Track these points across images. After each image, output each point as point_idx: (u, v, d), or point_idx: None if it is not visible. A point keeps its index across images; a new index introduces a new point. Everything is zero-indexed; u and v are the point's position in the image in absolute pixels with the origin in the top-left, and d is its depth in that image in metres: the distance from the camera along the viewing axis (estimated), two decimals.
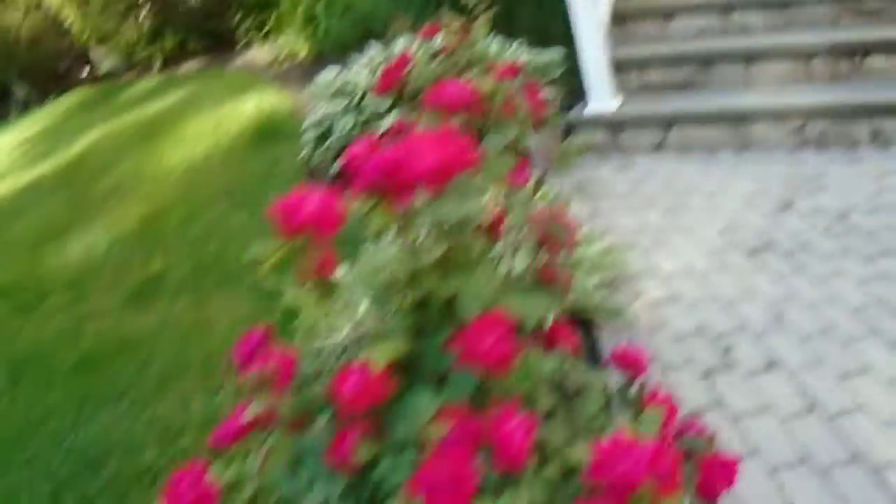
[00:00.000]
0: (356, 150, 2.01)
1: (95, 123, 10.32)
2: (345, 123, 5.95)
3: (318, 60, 9.00)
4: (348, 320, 2.29)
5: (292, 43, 10.21)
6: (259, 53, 11.41)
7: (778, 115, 5.83)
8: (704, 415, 3.41)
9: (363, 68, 6.33)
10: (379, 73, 5.53)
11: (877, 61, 5.83)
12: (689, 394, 3.56)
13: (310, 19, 9.61)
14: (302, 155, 6.36)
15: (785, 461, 3.15)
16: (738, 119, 5.93)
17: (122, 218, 6.95)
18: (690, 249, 4.69)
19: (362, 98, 6.01)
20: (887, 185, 5.03)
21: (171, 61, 13.08)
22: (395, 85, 4.31)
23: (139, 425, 4.25)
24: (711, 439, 2.28)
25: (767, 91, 6.10)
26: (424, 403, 1.92)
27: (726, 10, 6.60)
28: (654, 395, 2.32)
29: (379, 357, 1.97)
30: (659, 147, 6.16)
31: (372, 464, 1.95)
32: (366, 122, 5.82)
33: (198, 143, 8.01)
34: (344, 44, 7.99)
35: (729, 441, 3.23)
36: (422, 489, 1.71)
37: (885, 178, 5.12)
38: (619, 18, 6.84)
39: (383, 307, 2.20)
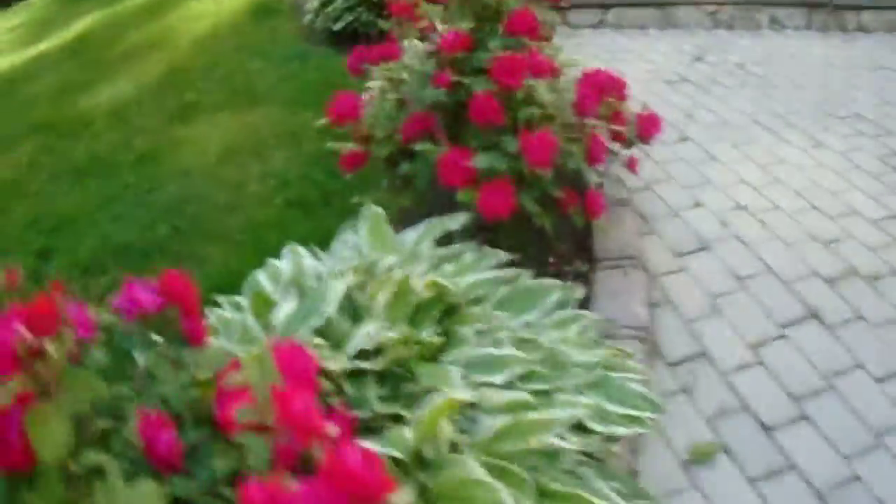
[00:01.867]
0: None
1: (90, 10, 11.13)
2: None
3: None
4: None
5: None
6: None
7: (696, 2, 7.34)
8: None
9: None
10: None
11: None
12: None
13: None
14: (304, 21, 7.59)
15: (691, 182, 4.64)
16: (663, 4, 7.42)
17: (145, 73, 7.95)
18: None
19: None
20: (776, 49, 6.66)
21: None
22: None
23: (208, 184, 5.42)
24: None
25: None
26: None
27: None
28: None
29: None
30: (599, 24, 7.63)
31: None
32: None
33: (202, 19, 9.11)
34: None
35: (653, 170, 4.72)
36: None
37: (774, 47, 6.76)
38: None
39: None
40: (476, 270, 2.93)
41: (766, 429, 3.10)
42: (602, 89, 3.59)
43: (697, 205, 4.49)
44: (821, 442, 3.03)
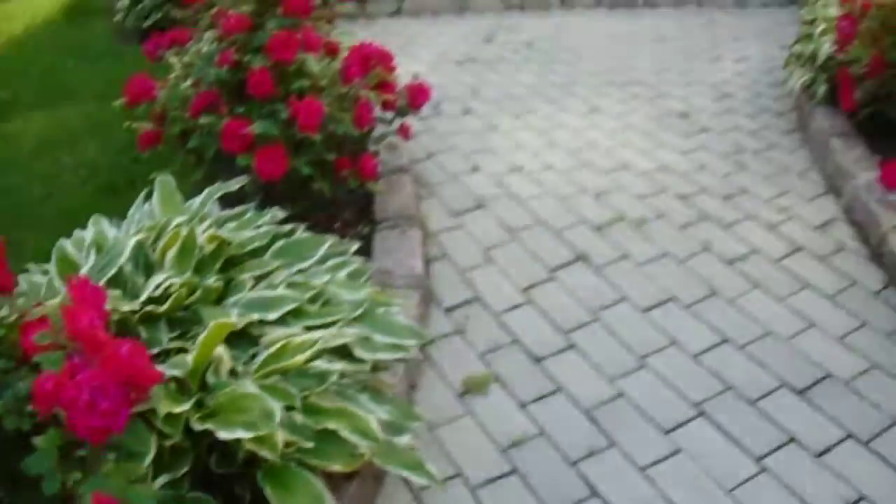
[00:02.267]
0: None
1: None
2: None
3: None
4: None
5: None
6: None
7: None
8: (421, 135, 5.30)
9: None
10: None
11: None
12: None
13: None
14: (116, 20, 7.83)
15: (472, 150, 5.10)
16: None
17: None
18: (415, 63, 6.59)
19: None
20: (564, 28, 7.28)
21: None
22: None
23: (23, 177, 5.58)
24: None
25: None
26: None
27: None
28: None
29: None
30: (396, 12, 8.09)
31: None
32: None
33: (15, 20, 9.13)
34: None
35: (436, 142, 5.16)
36: None
37: (563, 25, 7.40)
38: None
39: None
40: (255, 226, 3.30)
41: (536, 359, 3.48)
42: (368, 59, 4.00)
43: (476, 170, 4.94)
44: (587, 367, 3.42)
